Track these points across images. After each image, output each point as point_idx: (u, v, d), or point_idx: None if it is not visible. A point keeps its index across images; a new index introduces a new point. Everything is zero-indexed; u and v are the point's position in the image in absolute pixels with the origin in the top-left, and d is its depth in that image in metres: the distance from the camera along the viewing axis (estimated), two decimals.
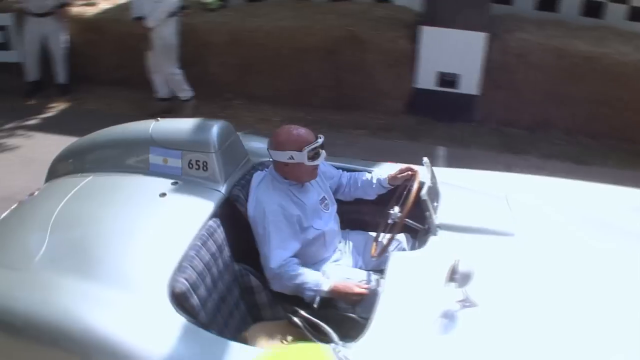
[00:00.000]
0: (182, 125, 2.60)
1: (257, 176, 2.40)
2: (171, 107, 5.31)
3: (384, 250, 2.29)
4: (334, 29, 5.38)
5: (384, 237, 2.36)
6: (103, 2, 6.30)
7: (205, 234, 2.15)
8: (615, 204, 2.59)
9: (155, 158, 2.50)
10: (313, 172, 2.33)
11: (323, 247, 2.38)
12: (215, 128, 2.47)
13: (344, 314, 2.19)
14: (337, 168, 2.65)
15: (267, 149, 2.33)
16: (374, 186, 2.52)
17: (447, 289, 1.76)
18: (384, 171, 2.58)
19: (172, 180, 2.40)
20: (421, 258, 2.10)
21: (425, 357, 1.69)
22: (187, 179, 2.42)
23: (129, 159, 2.57)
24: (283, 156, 2.26)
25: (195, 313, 1.91)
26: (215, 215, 2.25)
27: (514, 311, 1.82)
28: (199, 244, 2.09)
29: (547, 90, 5.10)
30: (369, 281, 2.25)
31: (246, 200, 2.33)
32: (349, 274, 2.32)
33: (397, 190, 2.45)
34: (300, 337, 1.87)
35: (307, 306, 2.09)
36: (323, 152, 2.32)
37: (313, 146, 2.26)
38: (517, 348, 1.69)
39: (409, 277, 2.00)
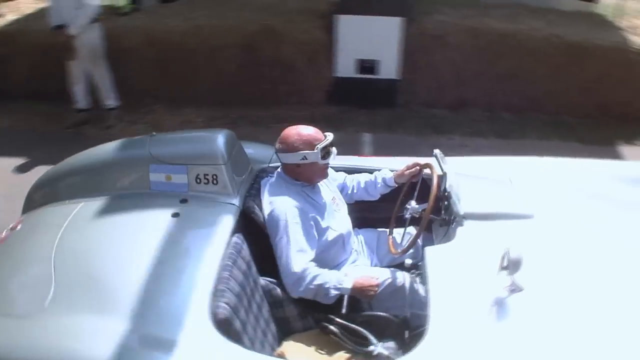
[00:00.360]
0: (182, 139, 2.51)
1: (266, 183, 2.34)
2: (89, 118, 5.13)
3: (412, 245, 2.23)
4: (249, 25, 5.33)
5: (403, 232, 2.40)
6: (10, 14, 6.06)
7: (234, 252, 2.05)
8: (603, 176, 2.66)
9: (156, 176, 2.34)
10: (324, 171, 2.32)
11: (342, 248, 2.34)
12: (222, 138, 2.35)
13: (373, 314, 2.13)
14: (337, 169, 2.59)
15: (276, 152, 2.28)
16: (378, 186, 2.48)
17: (495, 277, 1.78)
18: (387, 170, 2.53)
19: (180, 198, 2.27)
20: (457, 249, 2.07)
21: (488, 346, 1.68)
22: (196, 195, 2.29)
23: (124, 180, 2.40)
24: (295, 157, 2.22)
25: (240, 337, 1.82)
26: (236, 230, 2.14)
27: (555, 290, 1.85)
28: (230, 263, 1.98)
29: (465, 70, 5.17)
30: (394, 278, 2.23)
31: (260, 209, 2.26)
32: (371, 274, 2.25)
33: (405, 185, 2.45)
34: (335, 345, 1.92)
35: (333, 313, 2.05)
36: (334, 150, 2.30)
37: (324, 144, 2.24)
38: (569, 326, 1.73)
39: (451, 270, 1.96)
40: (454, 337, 1.71)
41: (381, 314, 2.11)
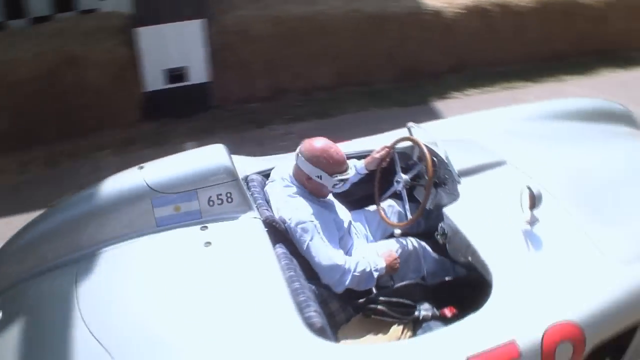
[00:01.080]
0: (180, 162, 2.31)
1: (275, 190, 2.36)
2: None
3: (421, 212, 2.43)
4: (46, 54, 5.08)
5: (404, 205, 2.57)
6: None
7: (288, 261, 2.03)
8: (520, 119, 3.25)
9: (162, 210, 2.15)
10: (328, 193, 2.42)
11: (348, 236, 2.44)
12: (224, 151, 2.26)
13: (400, 285, 2.25)
14: None
15: (298, 153, 2.30)
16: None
17: (520, 215, 2.16)
18: (354, 159, 2.63)
19: (199, 226, 2.13)
20: (470, 203, 2.32)
21: (543, 275, 2.02)
22: (214, 219, 2.15)
23: (120, 224, 2.15)
24: (313, 171, 2.28)
25: (329, 338, 1.84)
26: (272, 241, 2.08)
27: (556, 213, 2.25)
28: (293, 273, 1.97)
29: (274, 59, 5.29)
30: (403, 246, 2.43)
31: (274, 216, 2.25)
32: (379, 249, 2.39)
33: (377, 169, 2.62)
34: (382, 324, 2.07)
35: (366, 296, 2.18)
36: (346, 182, 2.43)
37: (342, 177, 2.34)
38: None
39: (478, 221, 2.23)
40: (516, 276, 1.99)
41: (406, 282, 2.27)
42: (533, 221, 2.16)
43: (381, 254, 2.30)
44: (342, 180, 2.36)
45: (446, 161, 2.47)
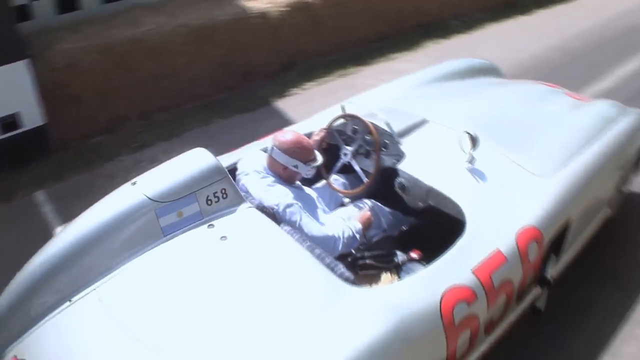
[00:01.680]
0: (170, 171, 2.34)
1: (251, 181, 2.58)
2: None
3: (376, 174, 2.86)
4: None
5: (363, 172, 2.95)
6: None
7: (298, 236, 2.29)
8: (418, 84, 3.97)
9: (166, 219, 2.21)
10: (301, 178, 2.72)
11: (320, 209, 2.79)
12: (208, 153, 2.36)
13: (377, 240, 2.78)
14: None
15: (273, 147, 2.56)
16: None
17: (455, 158, 2.72)
18: None
19: (206, 226, 2.25)
20: (419, 157, 2.85)
21: (497, 194, 2.65)
22: (215, 216, 2.28)
23: (128, 242, 2.16)
24: (290, 162, 2.57)
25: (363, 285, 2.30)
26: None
27: (486, 150, 2.79)
28: (309, 243, 2.28)
29: (108, 89, 5.24)
30: (362, 209, 2.82)
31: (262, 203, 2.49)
32: (350, 214, 2.83)
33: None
34: (372, 277, 2.45)
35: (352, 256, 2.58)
36: (314, 170, 2.74)
37: (315, 164, 2.68)
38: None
39: (433, 171, 2.78)
40: (479, 203, 2.56)
41: (377, 238, 2.78)
42: (472, 160, 2.72)
43: (355, 217, 2.70)
44: (315, 167, 2.69)
45: (387, 127, 2.91)
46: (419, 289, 2.13)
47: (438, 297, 2.11)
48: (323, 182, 3.09)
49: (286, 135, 2.63)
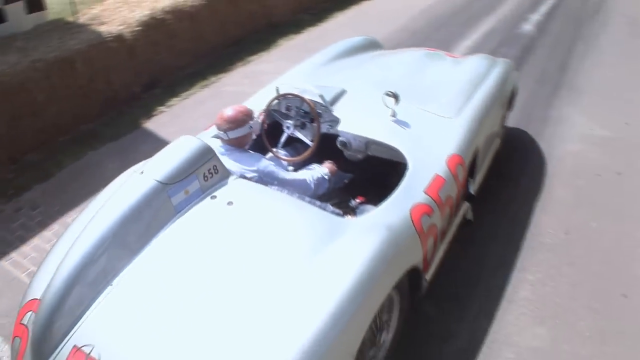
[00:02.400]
0: (169, 156, 2.70)
1: (223, 159, 2.94)
2: None
3: (318, 140, 3.44)
4: None
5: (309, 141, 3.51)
6: None
7: (287, 191, 2.95)
8: (321, 63, 4.77)
9: (176, 198, 2.60)
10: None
11: None
12: (193, 138, 2.79)
13: (330, 192, 3.39)
14: None
15: (226, 131, 3.11)
16: None
17: (382, 114, 3.45)
18: None
19: (209, 197, 2.69)
20: (349, 120, 3.49)
21: (424, 135, 3.44)
22: (213, 189, 2.74)
23: (148, 223, 2.51)
24: (245, 130, 3.15)
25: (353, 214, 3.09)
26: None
27: (403, 105, 3.46)
28: (297, 194, 2.91)
29: None
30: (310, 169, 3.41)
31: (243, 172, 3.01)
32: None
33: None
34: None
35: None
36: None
37: (255, 119, 3.37)
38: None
39: (370, 124, 3.48)
40: (411, 144, 3.30)
41: (328, 192, 3.36)
42: (395, 114, 3.45)
43: (322, 165, 3.39)
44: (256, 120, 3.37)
45: (320, 99, 3.46)
46: (393, 211, 2.79)
47: (408, 214, 2.78)
48: (269, 155, 3.55)
49: (228, 114, 3.12)
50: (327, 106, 3.47)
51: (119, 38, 6.17)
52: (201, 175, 2.69)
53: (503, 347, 3.14)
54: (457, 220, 3.53)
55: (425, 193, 2.96)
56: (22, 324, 2.41)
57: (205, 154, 2.73)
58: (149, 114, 6.19)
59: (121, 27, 6.27)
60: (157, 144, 5.51)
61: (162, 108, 6.32)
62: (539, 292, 3.48)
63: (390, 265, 2.53)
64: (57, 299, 2.26)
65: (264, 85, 5.44)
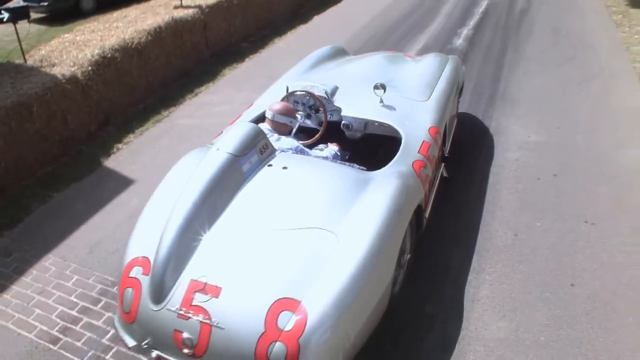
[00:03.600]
0: (237, 134, 3.63)
1: (271, 140, 3.98)
2: None
3: (326, 124, 4.45)
4: None
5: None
6: None
7: (324, 157, 4.05)
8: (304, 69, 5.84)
9: (245, 166, 3.53)
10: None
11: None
12: (250, 123, 3.89)
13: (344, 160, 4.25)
14: None
15: (274, 113, 4.18)
16: None
17: (372, 102, 4.53)
18: None
19: (266, 166, 3.66)
20: (348, 107, 4.54)
21: (406, 113, 4.58)
22: (267, 161, 3.69)
23: (227, 186, 3.44)
24: (287, 120, 4.21)
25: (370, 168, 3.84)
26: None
27: (388, 94, 4.59)
28: (333, 157, 4.09)
29: None
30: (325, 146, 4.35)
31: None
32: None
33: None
34: None
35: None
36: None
37: (299, 118, 4.48)
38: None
39: (361, 112, 4.50)
40: (400, 120, 4.38)
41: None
42: (382, 101, 4.50)
43: (329, 146, 4.22)
44: (298, 120, 4.33)
45: (324, 94, 4.42)
46: (400, 165, 3.83)
47: (411, 166, 3.86)
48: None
49: (278, 105, 4.15)
50: (329, 98, 4.45)
51: (72, 79, 6.31)
52: (258, 150, 3.60)
53: (472, 342, 3.59)
54: (438, 174, 4.63)
55: (419, 153, 4.04)
56: (131, 277, 3.17)
57: (260, 134, 3.67)
58: (107, 152, 6.35)
59: (73, 68, 6.41)
60: (120, 181, 5.77)
61: (119, 145, 6.49)
62: (497, 289, 3.93)
63: (406, 200, 3.50)
64: (171, 248, 3.08)
65: (215, 118, 5.96)
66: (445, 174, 4.99)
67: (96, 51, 6.71)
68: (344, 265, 2.94)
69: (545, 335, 3.57)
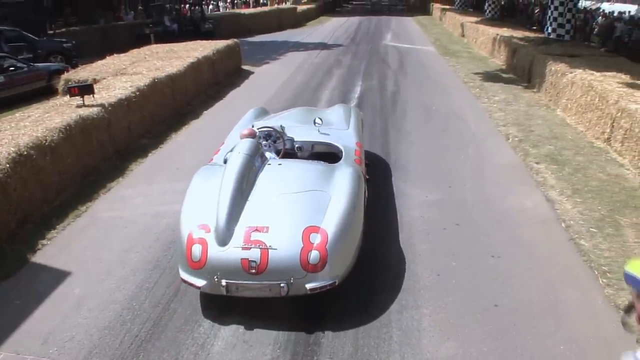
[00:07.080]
0: (246, 142, 5.62)
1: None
2: None
3: (284, 149, 6.34)
4: None
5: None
6: None
7: (305, 160, 6.21)
8: None
9: (257, 163, 5.52)
10: None
11: None
12: (253, 140, 5.84)
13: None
14: None
15: (249, 136, 5.96)
16: None
17: (313, 130, 6.90)
18: None
19: (267, 164, 5.65)
20: (298, 135, 6.66)
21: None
22: (267, 161, 5.72)
23: (248, 177, 5.24)
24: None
25: None
26: None
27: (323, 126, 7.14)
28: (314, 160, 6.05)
29: None
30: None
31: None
32: None
33: None
34: None
35: None
36: None
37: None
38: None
39: (307, 137, 6.77)
40: (338, 139, 6.82)
41: None
42: (320, 129, 6.76)
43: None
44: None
45: (280, 128, 6.31)
46: (348, 161, 5.97)
47: (354, 161, 6.00)
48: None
49: (246, 131, 6.02)
50: (283, 131, 6.31)
51: None
52: (259, 155, 5.50)
53: None
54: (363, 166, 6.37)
55: (356, 155, 6.19)
56: (196, 237, 4.66)
57: (258, 146, 5.65)
58: (33, 249, 6.30)
59: None
60: (54, 274, 5.81)
61: (43, 241, 6.47)
62: (436, 319, 4.74)
63: (358, 172, 5.65)
64: (228, 210, 4.75)
65: (135, 209, 6.70)
66: (367, 176, 6.49)
67: (12, 149, 6.81)
68: (338, 207, 4.85)
69: (486, 346, 4.40)
